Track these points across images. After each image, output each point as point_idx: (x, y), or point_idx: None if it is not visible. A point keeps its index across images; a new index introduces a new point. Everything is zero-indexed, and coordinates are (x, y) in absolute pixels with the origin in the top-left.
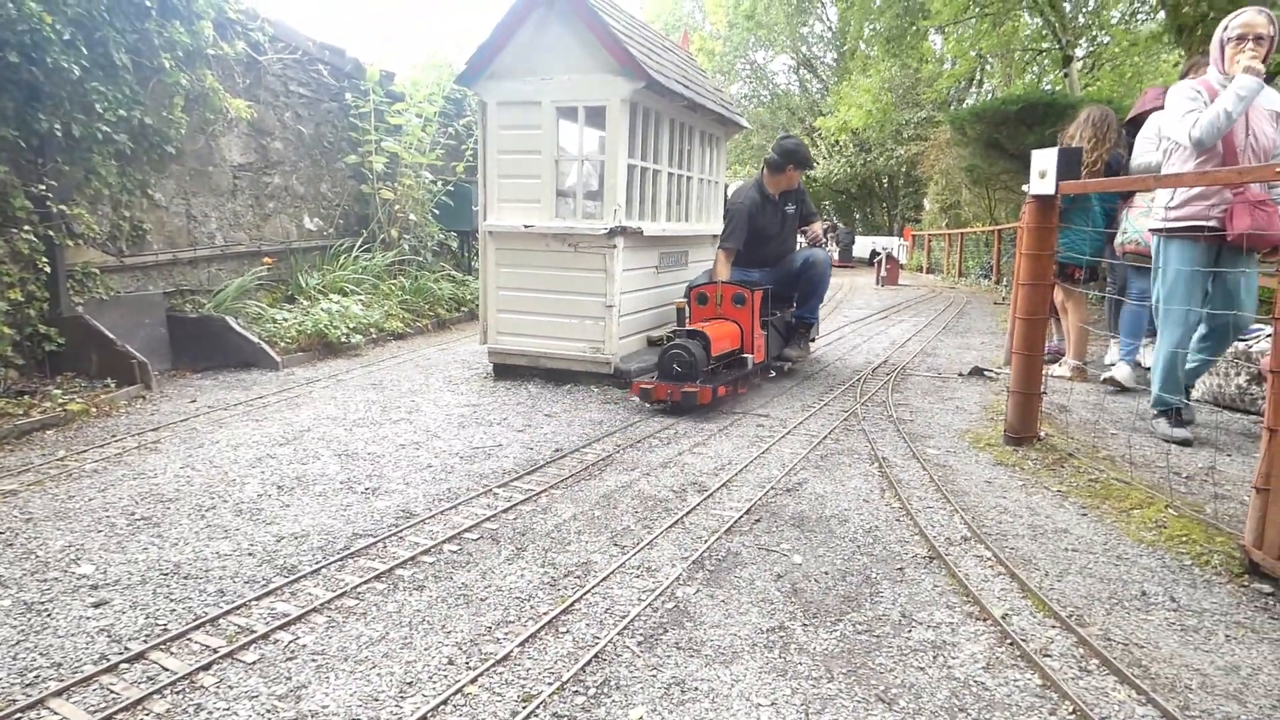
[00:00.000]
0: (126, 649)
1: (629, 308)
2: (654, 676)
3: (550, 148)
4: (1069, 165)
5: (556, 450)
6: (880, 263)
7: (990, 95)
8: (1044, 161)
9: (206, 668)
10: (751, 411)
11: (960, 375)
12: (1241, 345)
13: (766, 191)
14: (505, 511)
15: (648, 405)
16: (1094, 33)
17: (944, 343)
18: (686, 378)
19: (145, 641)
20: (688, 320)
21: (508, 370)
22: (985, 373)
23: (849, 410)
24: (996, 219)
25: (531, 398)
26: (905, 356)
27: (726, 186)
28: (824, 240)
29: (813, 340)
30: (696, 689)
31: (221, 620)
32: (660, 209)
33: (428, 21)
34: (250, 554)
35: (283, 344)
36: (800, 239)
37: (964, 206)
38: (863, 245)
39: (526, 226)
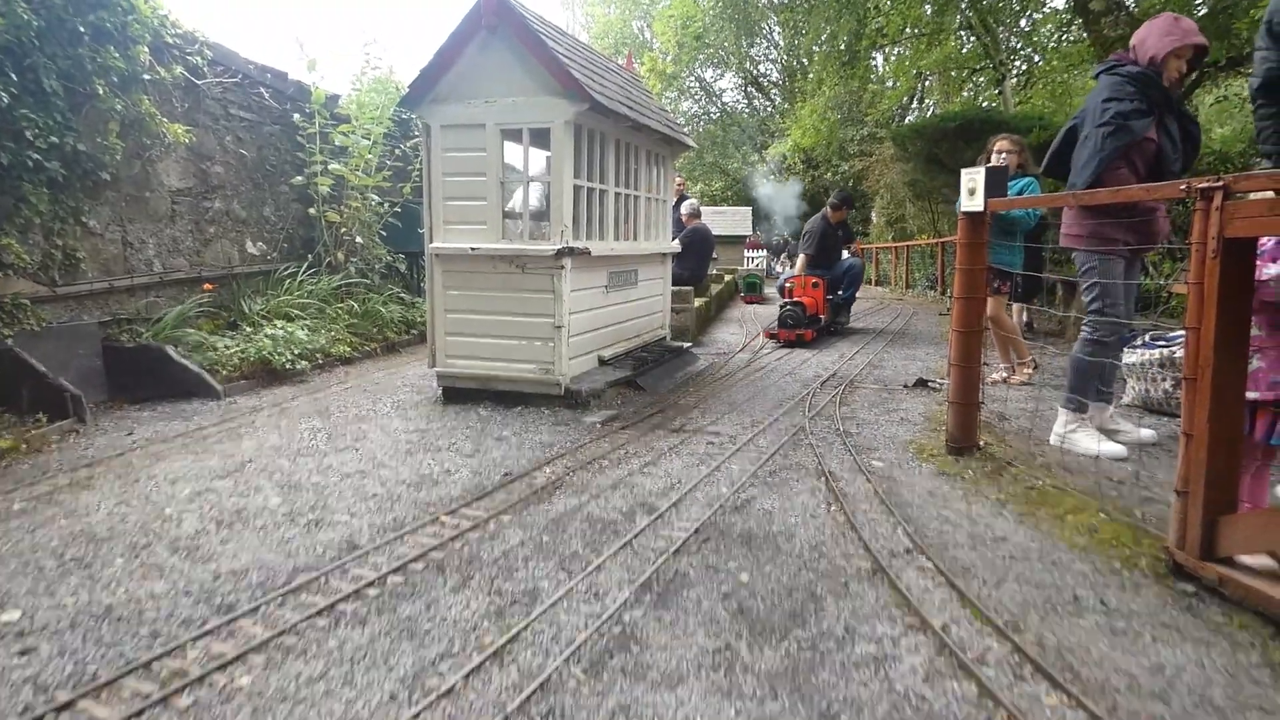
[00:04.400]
0: (53, 699)
1: (579, 328)
2: (599, 704)
3: (495, 170)
4: (996, 183)
5: (506, 475)
6: (780, 286)
7: (930, 112)
8: (973, 180)
9: (138, 715)
10: (702, 429)
11: (906, 387)
12: (1168, 351)
13: (829, 220)
14: (452, 540)
15: (771, 345)
16: (1026, 52)
17: (891, 355)
18: (796, 327)
19: (74, 690)
20: (789, 294)
21: (457, 393)
22: (929, 383)
23: (797, 425)
24: (940, 231)
25: (481, 421)
26: (854, 369)
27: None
28: (856, 250)
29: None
30: (642, 715)
31: (155, 664)
32: (608, 229)
33: (373, 41)
34: (186, 593)
35: (225, 372)
36: (844, 252)
37: (909, 220)
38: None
39: (473, 249)
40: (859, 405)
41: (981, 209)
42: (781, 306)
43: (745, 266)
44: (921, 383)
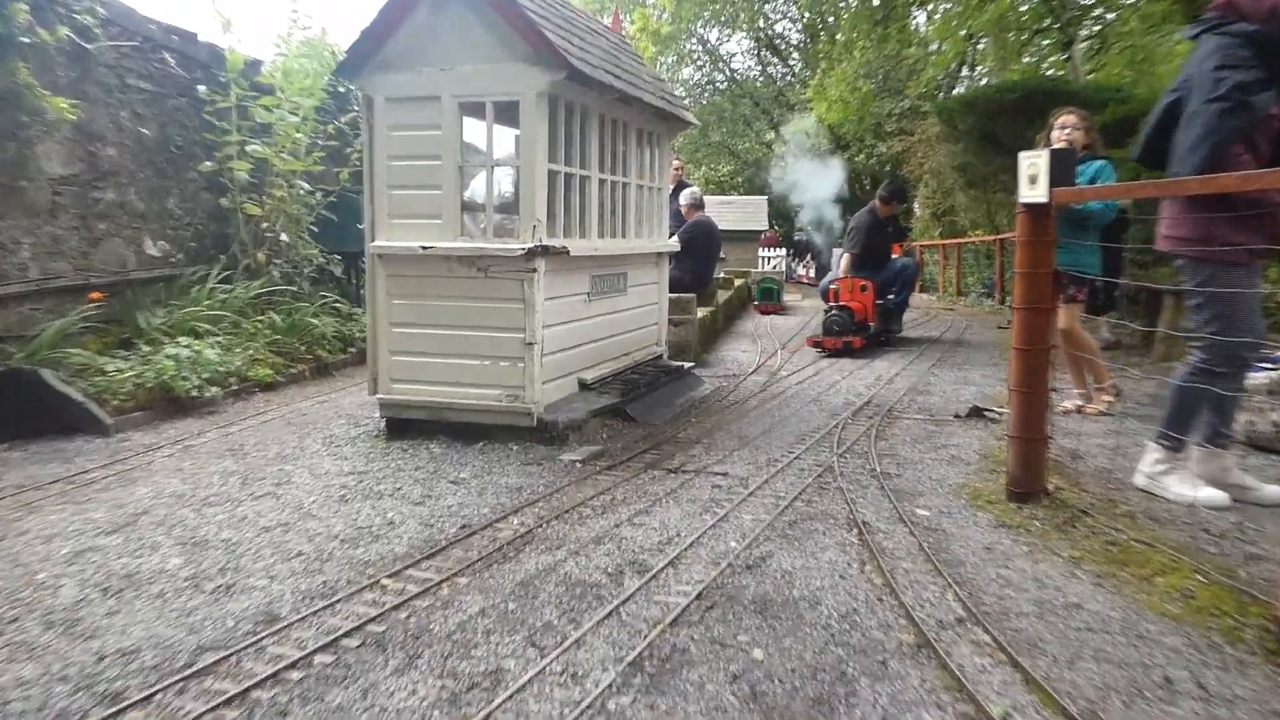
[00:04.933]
0: None
1: (555, 344)
2: None
3: (453, 152)
4: (1063, 168)
5: (464, 527)
6: (823, 289)
7: (983, 82)
8: (1034, 164)
9: None
10: (707, 469)
11: (957, 417)
12: (1278, 375)
13: (878, 215)
14: (396, 609)
15: (821, 353)
16: (1099, 11)
17: (939, 377)
18: (843, 333)
19: None
20: (833, 298)
21: (404, 426)
22: (986, 413)
23: (824, 464)
24: (997, 226)
25: (434, 460)
26: (893, 395)
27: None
28: (908, 249)
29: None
30: None
31: None
32: (591, 223)
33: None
34: (63, 678)
35: (116, 401)
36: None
37: (959, 212)
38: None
39: (425, 248)
40: (900, 440)
41: (1045, 200)
42: (825, 312)
43: (760, 269)
44: (976, 412)
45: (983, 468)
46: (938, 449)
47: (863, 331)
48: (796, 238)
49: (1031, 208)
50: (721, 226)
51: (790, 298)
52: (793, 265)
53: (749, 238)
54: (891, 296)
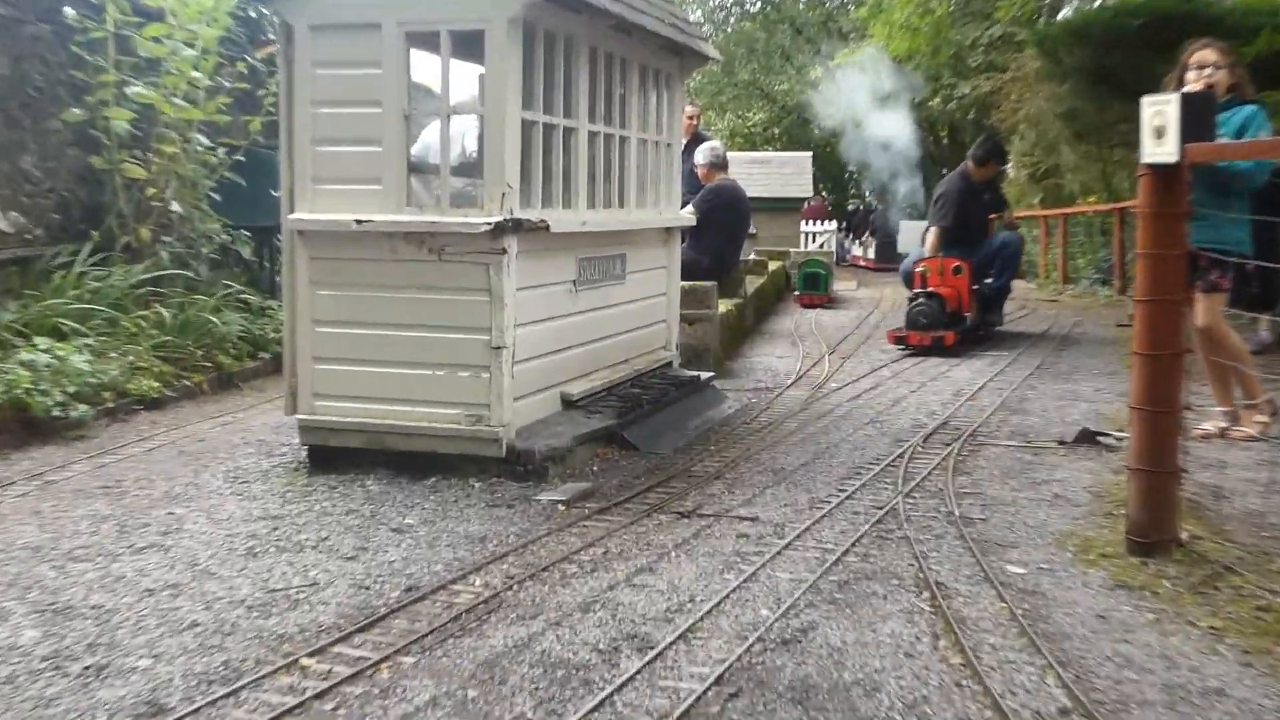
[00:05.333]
0: None
1: (531, 349)
2: None
3: (397, 97)
4: (1199, 118)
5: (410, 589)
6: (905, 272)
7: (1097, 4)
8: (1161, 112)
9: None
10: (729, 512)
11: (1062, 443)
12: None
13: (971, 180)
14: (320, 697)
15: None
16: None
17: (1038, 391)
18: (931, 327)
19: None
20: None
21: (333, 457)
22: (1101, 438)
23: (884, 506)
24: (1116, 192)
25: (371, 501)
26: (976, 414)
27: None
28: (1010, 221)
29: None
30: None
31: None
32: (578, 190)
33: None
34: None
35: None
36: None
37: (1065, 173)
38: (914, 233)
39: (360, 223)
40: (986, 474)
41: (1175, 159)
42: (910, 300)
43: (802, 248)
44: (1087, 437)
45: (1095, 510)
46: (1036, 486)
47: (956, 324)
48: (852, 207)
49: (1158, 169)
50: (752, 192)
51: (842, 285)
52: (846, 243)
53: (788, 207)
54: (990, 280)
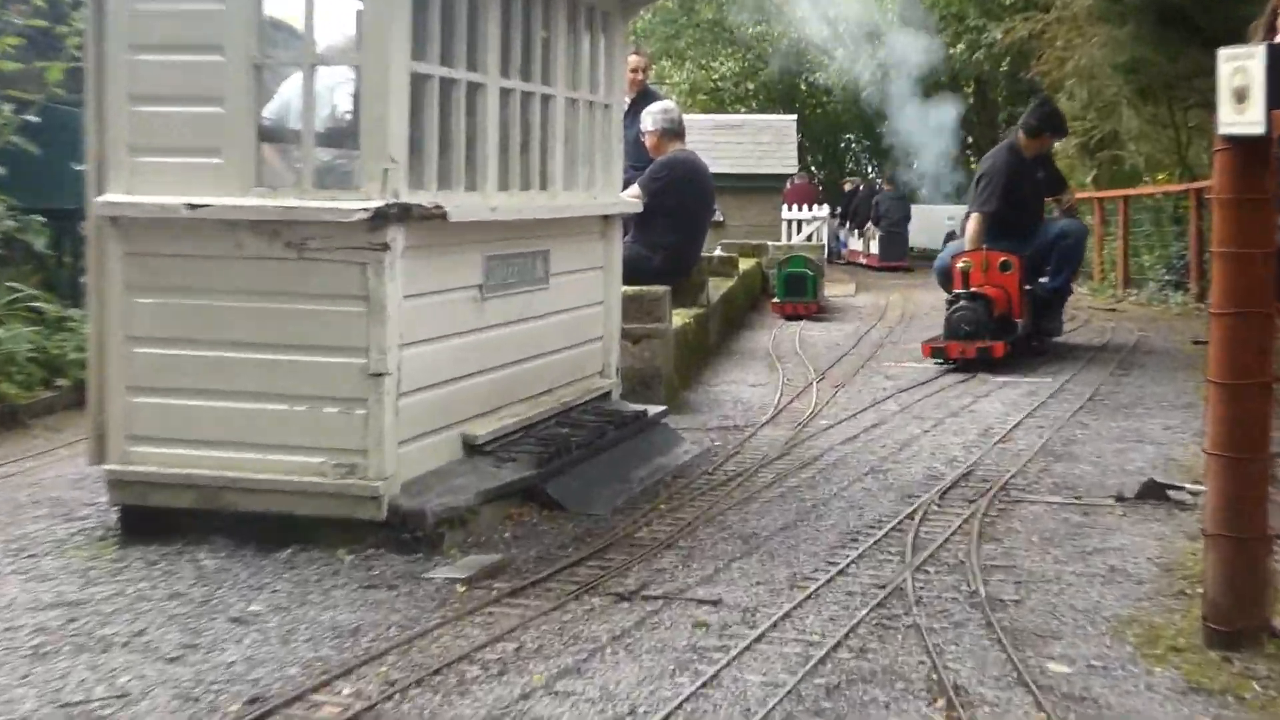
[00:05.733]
0: None
1: (423, 376)
2: None
3: (244, 40)
4: None
5: (254, 701)
6: (941, 269)
7: None
8: (1242, 68)
9: None
10: (684, 594)
11: (1121, 500)
12: None
13: (1022, 155)
14: None
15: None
16: None
17: (1090, 428)
18: (975, 336)
19: None
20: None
21: (155, 520)
22: (1171, 493)
23: (888, 582)
24: (1192, 167)
25: (205, 581)
26: (1009, 460)
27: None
28: (1071, 205)
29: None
30: None
31: None
32: (487, 167)
33: None
34: None
35: None
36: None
37: (1126, 142)
38: (929, 221)
39: (194, 207)
40: (1021, 540)
41: (1261, 130)
42: (949, 304)
43: (784, 240)
44: (1154, 491)
45: (1163, 589)
46: (1086, 556)
47: (1005, 332)
48: (850, 187)
49: (1238, 143)
50: (717, 167)
51: (836, 290)
52: (841, 235)
53: (765, 187)
54: (1045, 280)
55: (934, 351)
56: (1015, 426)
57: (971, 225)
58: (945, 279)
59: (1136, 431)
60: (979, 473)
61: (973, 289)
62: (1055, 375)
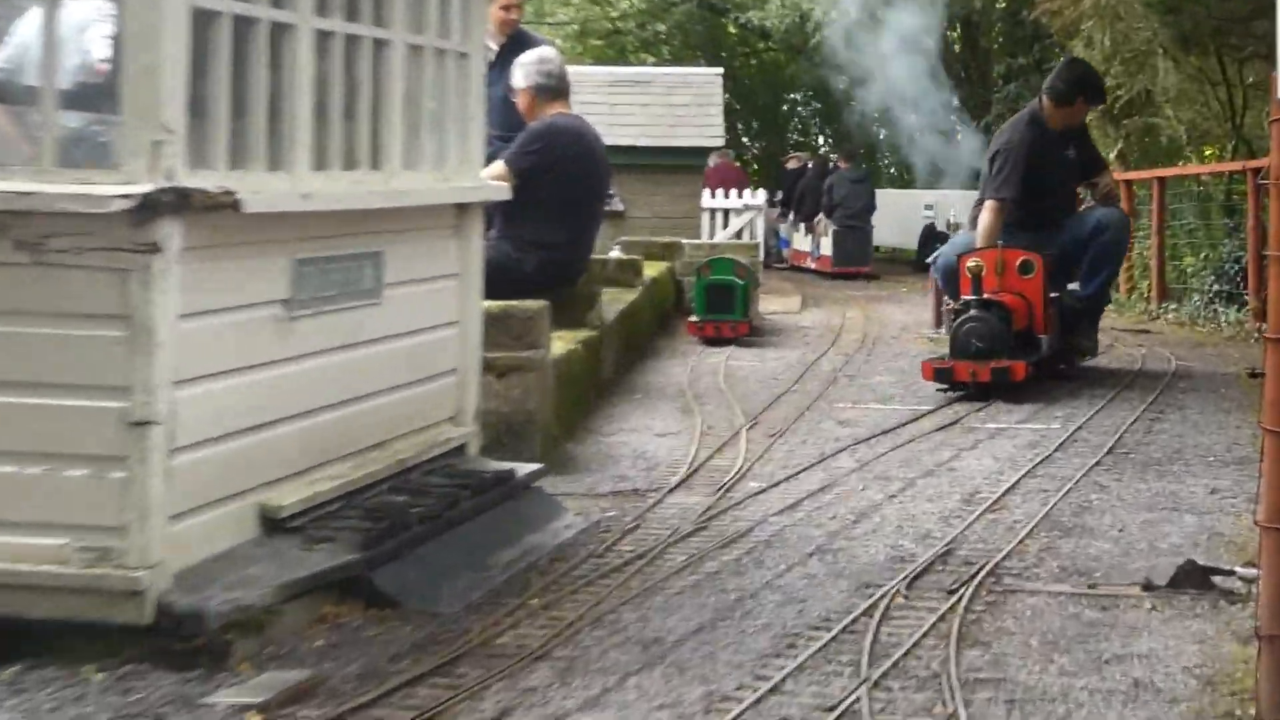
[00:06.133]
0: None
1: (208, 425)
2: None
3: None
4: None
5: None
6: (946, 270)
7: None
8: None
9: None
10: None
11: (1149, 589)
12: None
13: (1046, 127)
14: None
15: (943, 392)
16: None
17: (1110, 491)
18: (989, 354)
19: None
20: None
21: None
22: (1217, 578)
23: (837, 703)
24: (1249, 141)
25: None
26: (1001, 535)
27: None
28: (1110, 191)
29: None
30: None
31: None
32: (296, 138)
33: None
34: None
35: None
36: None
37: (1162, 107)
38: (900, 212)
39: None
40: (1015, 644)
41: None
42: (955, 314)
43: (705, 238)
44: (1194, 576)
45: (1204, 710)
46: (1101, 666)
47: (1027, 349)
48: (794, 165)
49: None
50: (616, 138)
51: (776, 304)
52: (783, 230)
53: (681, 165)
54: (1076, 287)
55: (938, 374)
56: (1010, 489)
57: (984, 216)
58: (951, 283)
59: (1172, 496)
60: (961, 552)
61: (986, 295)
62: (1065, 419)
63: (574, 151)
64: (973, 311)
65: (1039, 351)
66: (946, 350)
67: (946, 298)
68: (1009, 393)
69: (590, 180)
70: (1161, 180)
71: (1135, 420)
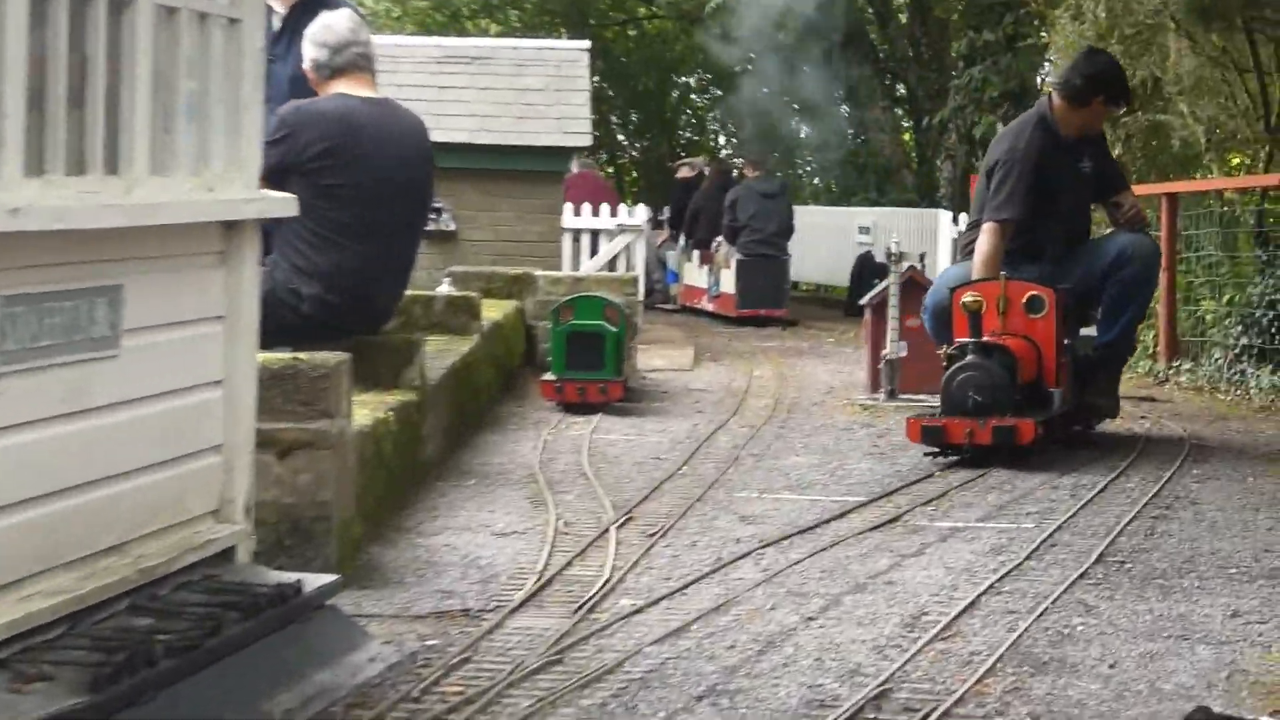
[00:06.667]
0: None
1: None
2: None
3: None
4: None
5: None
6: (889, 311)
7: None
8: None
9: None
10: None
11: None
12: None
13: (1058, 133)
14: None
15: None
16: None
17: (1099, 614)
18: (991, 410)
19: None
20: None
21: None
22: None
23: None
24: None
25: None
26: (952, 672)
27: None
28: (1137, 213)
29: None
30: None
31: None
32: (2, 132)
33: None
34: None
35: None
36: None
37: (1174, 99)
38: (825, 241)
39: None
40: None
41: None
42: (950, 360)
43: (567, 268)
44: None
45: None
46: None
47: (1038, 406)
48: (685, 173)
49: None
50: (446, 133)
51: (659, 360)
52: (670, 258)
53: (535, 170)
54: (1097, 332)
55: (926, 433)
56: (967, 609)
57: (983, 241)
58: (942, 323)
59: (1181, 621)
60: (900, 695)
61: (986, 339)
62: (1040, 516)
63: (346, 144)
64: (970, 357)
65: (1050, 409)
66: (905, 413)
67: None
68: (1013, 460)
69: (396, 186)
70: (1172, 197)
71: (1134, 518)
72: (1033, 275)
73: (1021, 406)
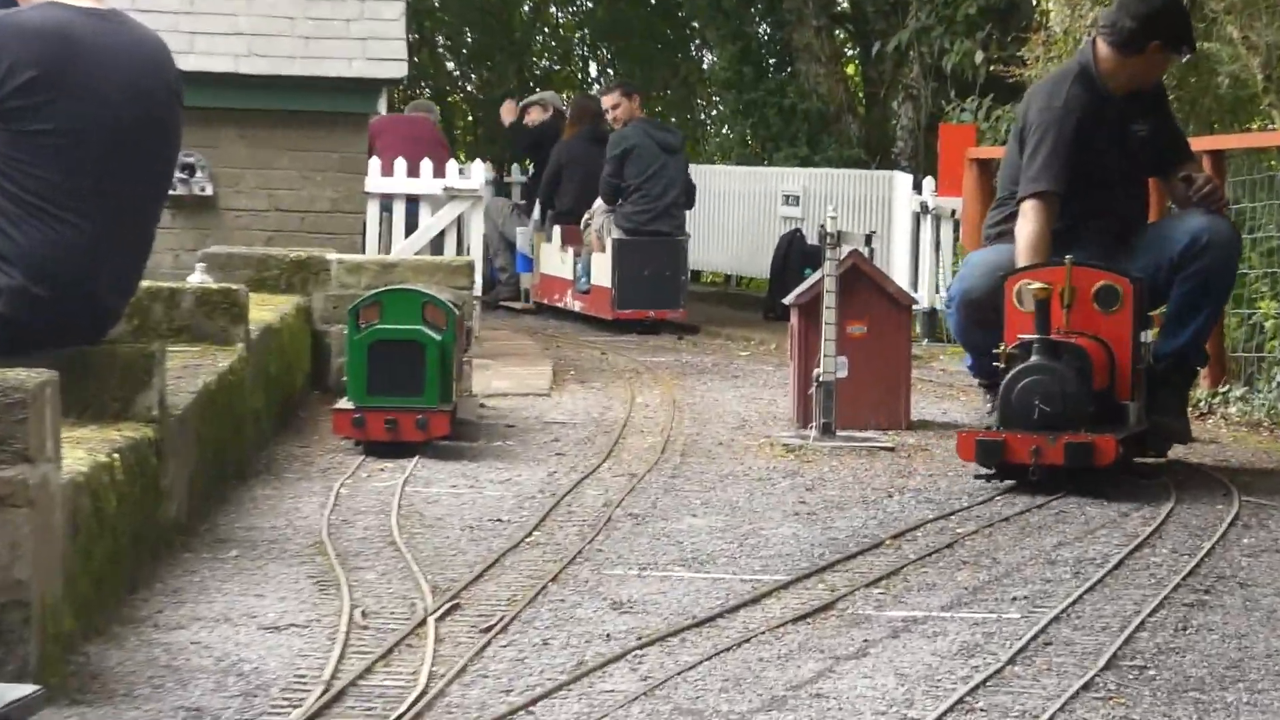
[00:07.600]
0: None
1: None
2: None
3: None
4: None
5: None
6: (824, 313)
7: None
8: None
9: None
10: None
11: None
12: None
13: (1102, 87)
14: None
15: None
16: None
17: None
18: (1063, 423)
19: None
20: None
21: None
22: None
23: None
24: None
25: None
26: None
27: None
28: (1211, 190)
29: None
30: None
31: None
32: None
33: None
34: None
35: None
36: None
37: (1219, 29)
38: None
39: None
40: None
41: None
42: (1007, 357)
43: (373, 249)
44: None
45: None
46: None
47: (1113, 421)
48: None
49: None
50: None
51: (506, 380)
52: (521, 237)
53: (328, 112)
54: (1170, 336)
55: (982, 449)
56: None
57: (1025, 223)
58: (975, 320)
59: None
60: None
61: (1054, 335)
62: (1029, 602)
63: (57, 73)
64: (1035, 359)
65: (1126, 425)
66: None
67: (806, 375)
68: (1090, 486)
69: (119, 134)
70: (1217, 156)
71: (1159, 606)
72: (1091, 255)
73: (1095, 423)
